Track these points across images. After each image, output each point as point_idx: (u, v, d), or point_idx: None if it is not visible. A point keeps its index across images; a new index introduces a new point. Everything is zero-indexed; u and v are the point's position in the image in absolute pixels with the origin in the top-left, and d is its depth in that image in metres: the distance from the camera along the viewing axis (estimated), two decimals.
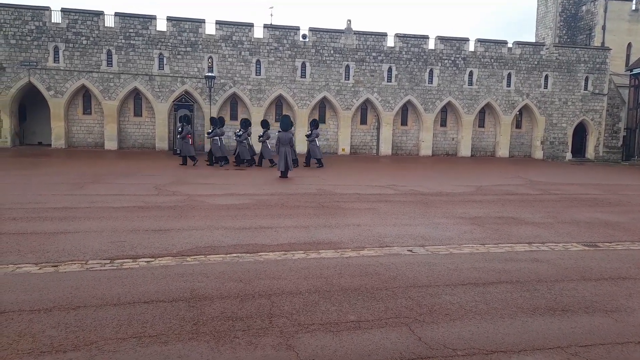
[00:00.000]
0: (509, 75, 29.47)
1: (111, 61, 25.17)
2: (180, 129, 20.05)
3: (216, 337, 4.30)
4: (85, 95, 25.81)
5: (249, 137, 20.20)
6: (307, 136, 20.75)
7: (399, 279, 6.04)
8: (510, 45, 29.50)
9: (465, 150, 29.74)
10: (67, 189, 12.48)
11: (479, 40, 29.08)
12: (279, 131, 17.27)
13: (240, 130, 20.19)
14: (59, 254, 6.64)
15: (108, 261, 6.41)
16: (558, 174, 21.79)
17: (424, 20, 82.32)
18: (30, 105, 26.14)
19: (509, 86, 29.58)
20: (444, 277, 6.18)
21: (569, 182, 18.64)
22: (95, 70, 25.04)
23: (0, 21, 23.93)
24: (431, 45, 28.50)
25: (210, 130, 20.03)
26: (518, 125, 30.99)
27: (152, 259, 6.55)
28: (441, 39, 28.61)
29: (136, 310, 4.82)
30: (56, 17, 24.56)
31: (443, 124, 29.97)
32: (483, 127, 30.50)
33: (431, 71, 28.52)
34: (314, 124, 21.06)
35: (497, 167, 24.05)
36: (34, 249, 6.84)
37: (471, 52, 28.89)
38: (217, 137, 19.69)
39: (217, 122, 20.32)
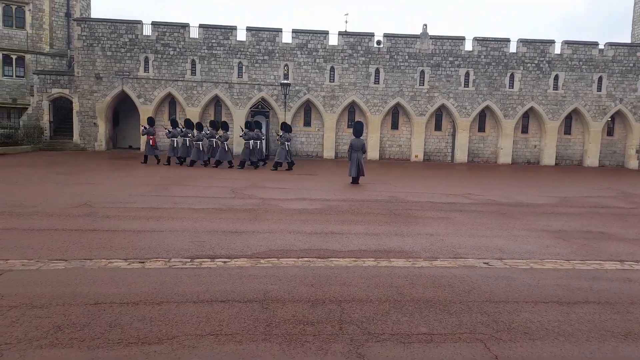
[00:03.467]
0: (600, 78, 27.38)
1: (195, 70, 26.67)
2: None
3: (288, 340, 4.39)
4: (170, 103, 27.55)
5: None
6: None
7: (474, 292, 5.82)
8: (601, 46, 27.43)
9: (548, 159, 28.01)
10: (152, 190, 13.38)
11: (567, 42, 27.31)
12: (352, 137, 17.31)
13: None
14: (145, 251, 7.13)
15: (189, 260, 6.77)
16: None
17: (503, 23, 78.95)
18: (122, 112, 28.43)
19: (600, 90, 27.48)
20: (524, 293, 5.86)
21: None
22: (180, 79, 26.66)
23: (98, 35, 26.25)
24: (512, 48, 27.21)
25: (168, 132, 21.34)
26: (610, 132, 28.66)
27: (229, 260, 6.83)
28: (523, 42, 27.24)
29: (213, 308, 5.05)
30: (147, 30, 26.50)
31: (524, 130, 28.46)
32: (569, 134, 28.56)
33: (512, 75, 27.24)
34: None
35: (585, 177, 22.38)
36: (124, 246, 7.40)
37: (557, 54, 27.20)
38: (175, 138, 20.95)
39: (176, 124, 21.63)
